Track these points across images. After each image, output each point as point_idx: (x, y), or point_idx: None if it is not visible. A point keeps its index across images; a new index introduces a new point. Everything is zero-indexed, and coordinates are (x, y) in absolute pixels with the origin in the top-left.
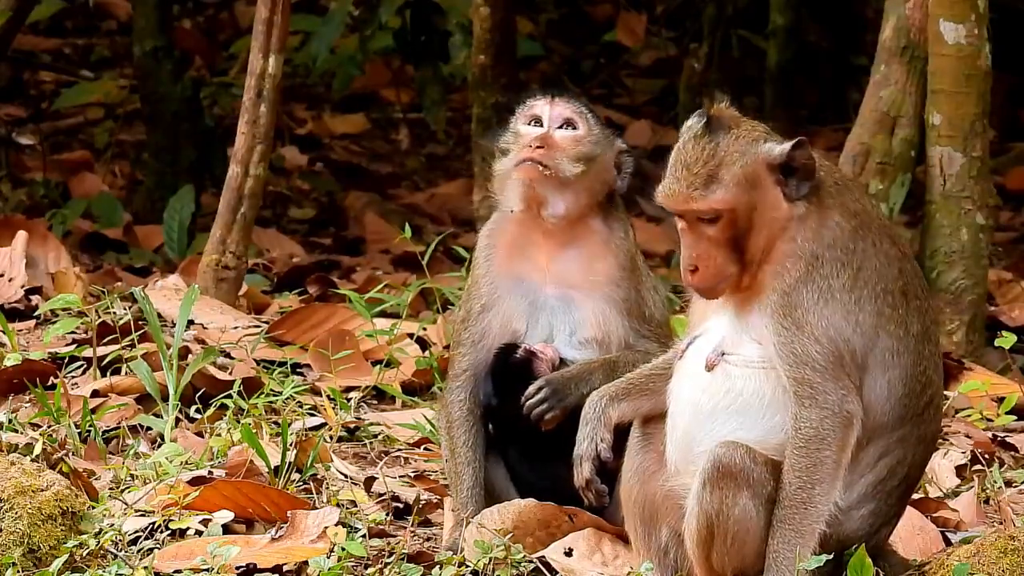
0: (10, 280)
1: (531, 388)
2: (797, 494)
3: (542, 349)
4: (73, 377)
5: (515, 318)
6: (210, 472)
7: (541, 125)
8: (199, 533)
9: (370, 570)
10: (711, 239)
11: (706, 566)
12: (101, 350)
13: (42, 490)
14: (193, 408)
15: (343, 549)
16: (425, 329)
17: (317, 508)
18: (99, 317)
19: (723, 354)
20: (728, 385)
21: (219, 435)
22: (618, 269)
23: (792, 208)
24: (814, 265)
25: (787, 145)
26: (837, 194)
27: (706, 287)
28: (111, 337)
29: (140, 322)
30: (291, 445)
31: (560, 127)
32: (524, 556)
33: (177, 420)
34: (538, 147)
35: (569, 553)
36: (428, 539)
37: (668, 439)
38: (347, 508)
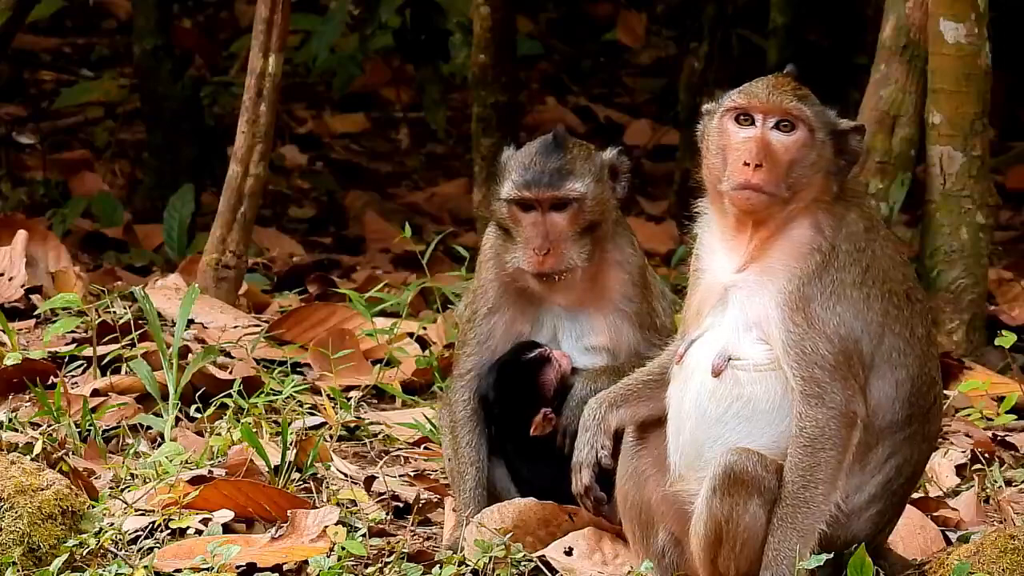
0: (10, 279)
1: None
2: (799, 493)
3: (559, 357)
4: (73, 376)
5: (520, 322)
6: (210, 471)
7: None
8: (199, 532)
9: (370, 569)
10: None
11: (711, 569)
12: (101, 349)
13: (42, 489)
14: (193, 407)
15: (343, 548)
16: (425, 328)
17: (317, 507)
18: (99, 316)
19: (730, 359)
20: (737, 391)
21: (219, 434)
22: (631, 287)
23: (830, 181)
24: (831, 257)
25: (852, 124)
26: (859, 195)
27: None
28: (111, 336)
29: (140, 321)
30: (291, 444)
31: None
32: (524, 555)
33: (177, 419)
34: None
35: (569, 552)
36: (428, 538)
37: (671, 444)
38: (347, 507)
